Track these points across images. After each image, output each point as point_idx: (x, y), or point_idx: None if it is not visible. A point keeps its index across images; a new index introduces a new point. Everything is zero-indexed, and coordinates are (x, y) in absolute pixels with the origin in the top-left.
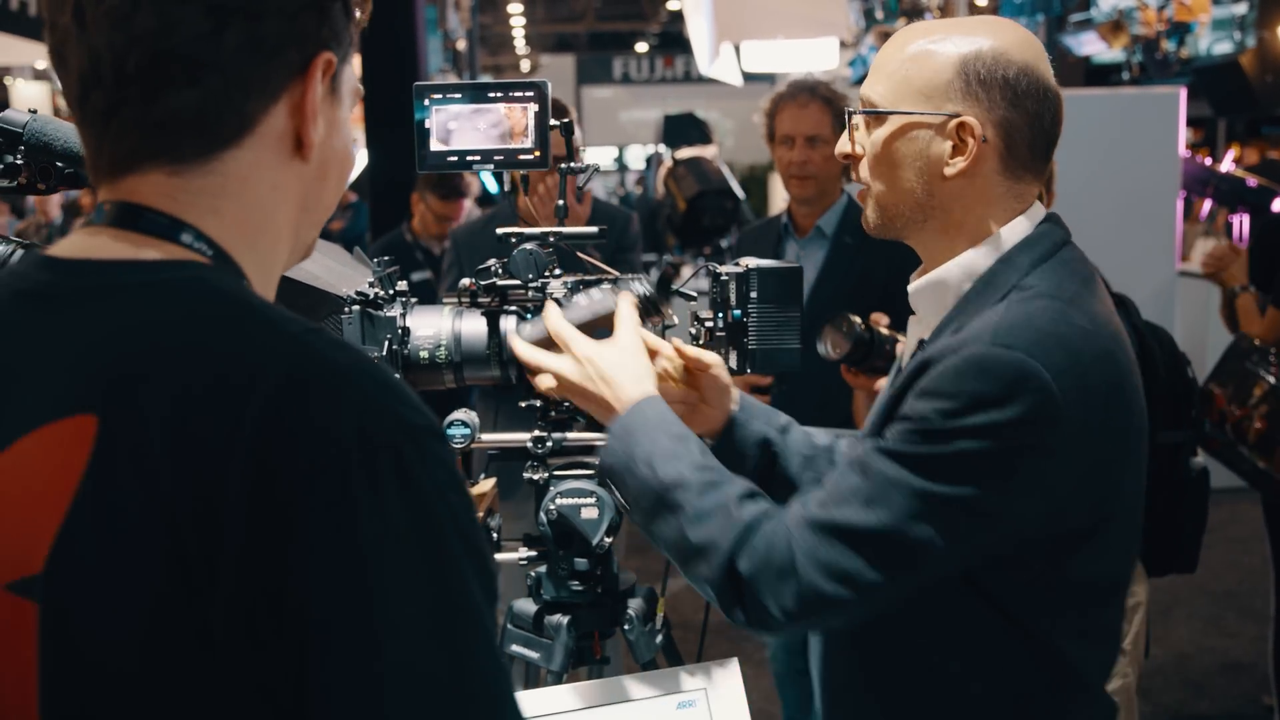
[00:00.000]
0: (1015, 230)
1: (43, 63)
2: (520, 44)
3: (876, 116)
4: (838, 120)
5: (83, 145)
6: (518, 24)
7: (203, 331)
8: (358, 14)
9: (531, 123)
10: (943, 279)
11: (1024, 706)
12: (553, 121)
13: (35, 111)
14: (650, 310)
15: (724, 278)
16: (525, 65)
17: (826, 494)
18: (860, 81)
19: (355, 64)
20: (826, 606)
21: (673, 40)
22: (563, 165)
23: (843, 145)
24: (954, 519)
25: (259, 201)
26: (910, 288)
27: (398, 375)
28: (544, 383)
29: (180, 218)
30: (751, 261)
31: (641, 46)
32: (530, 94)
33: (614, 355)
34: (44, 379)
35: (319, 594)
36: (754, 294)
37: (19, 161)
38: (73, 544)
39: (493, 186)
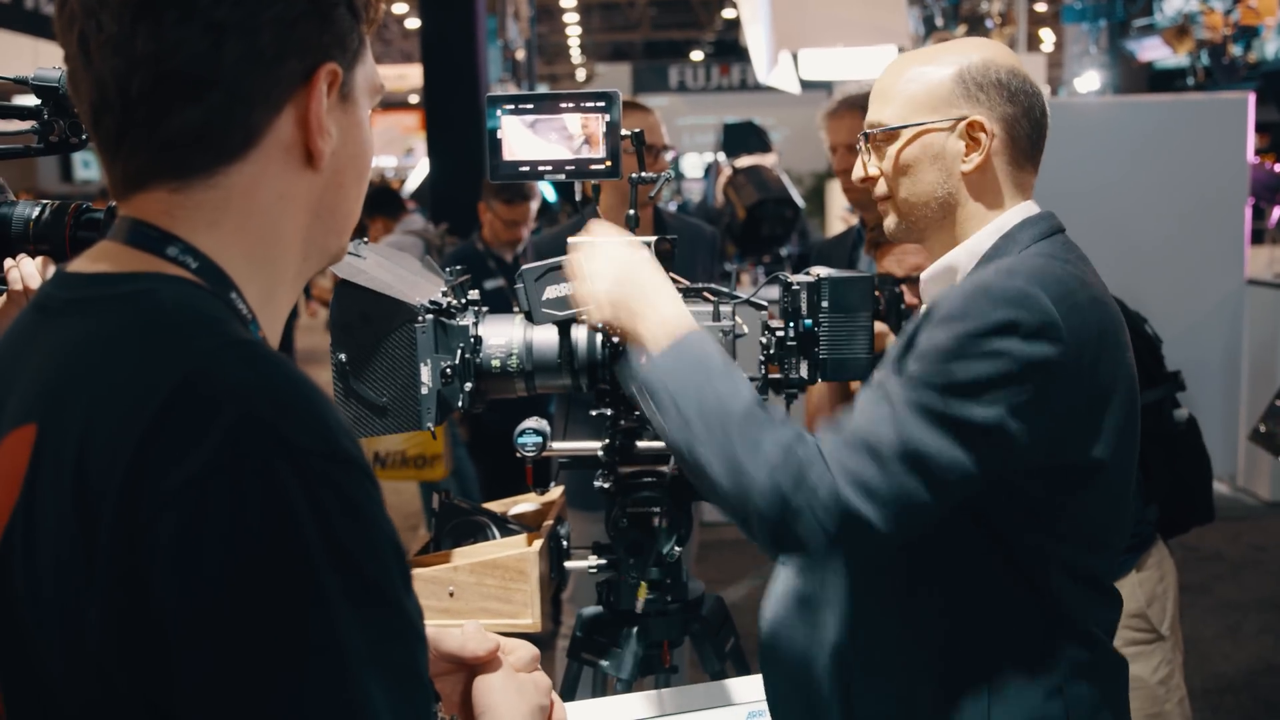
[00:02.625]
0: (1017, 212)
1: None
2: (576, 53)
3: (889, 135)
4: None
5: (100, 168)
6: (574, 33)
7: (125, 345)
8: (368, 13)
9: (602, 132)
10: (951, 263)
11: (1019, 642)
12: (624, 131)
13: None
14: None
15: (795, 287)
16: (581, 74)
17: (855, 419)
18: None
19: (369, 63)
20: (859, 528)
21: (728, 48)
22: (632, 175)
23: (857, 171)
24: (973, 437)
25: (264, 212)
26: (923, 276)
27: (319, 395)
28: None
29: (171, 231)
30: (822, 270)
31: (697, 55)
32: (601, 104)
33: (660, 282)
34: (19, 388)
35: (174, 624)
36: (825, 303)
37: (49, 119)
38: (9, 550)
39: (550, 196)
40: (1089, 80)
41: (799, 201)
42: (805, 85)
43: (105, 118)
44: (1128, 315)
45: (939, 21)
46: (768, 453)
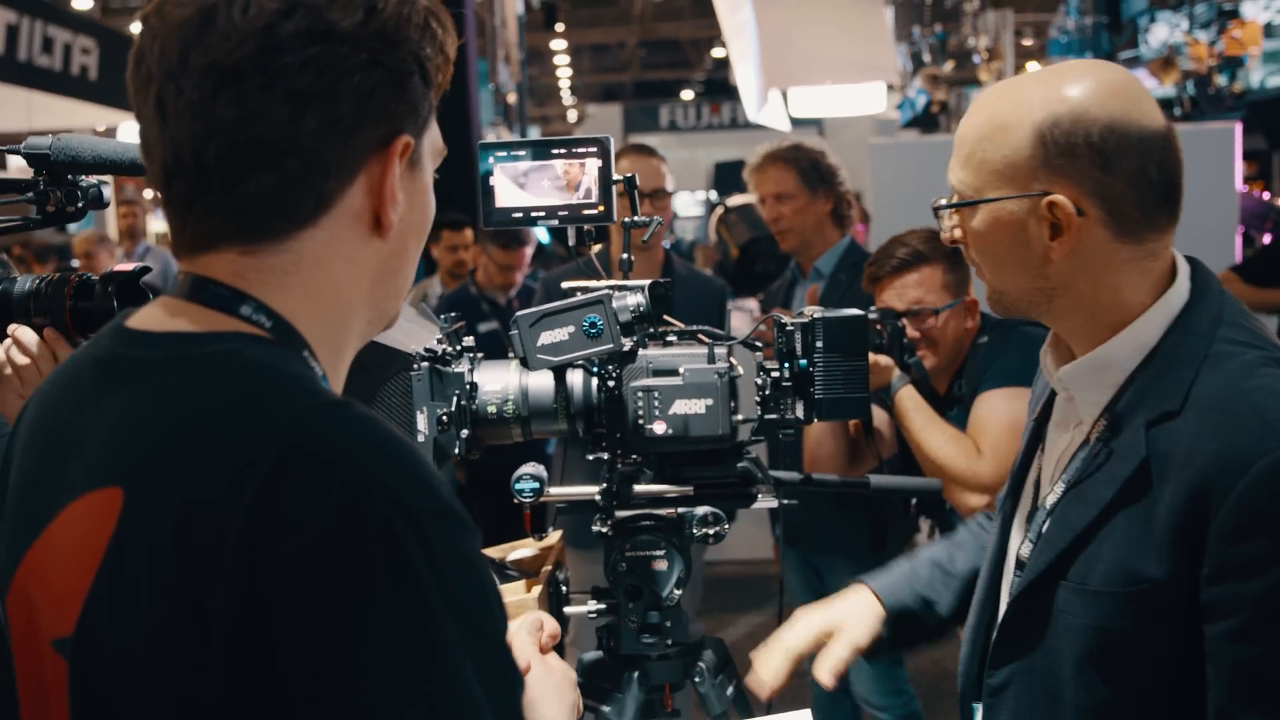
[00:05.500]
0: (1177, 294)
1: (103, 125)
2: (566, 95)
3: (961, 208)
4: (801, 175)
5: (167, 225)
6: (564, 75)
7: (220, 408)
8: (439, 78)
9: (595, 177)
10: (1108, 359)
11: None
12: (616, 176)
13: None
14: (644, 321)
15: (789, 327)
16: (572, 115)
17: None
18: (910, 125)
19: (434, 127)
20: None
21: (718, 87)
22: (625, 220)
23: (945, 233)
24: None
25: (332, 278)
26: (1064, 371)
27: (417, 452)
28: None
29: (245, 291)
30: (817, 311)
31: (687, 94)
32: (593, 149)
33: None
34: (93, 448)
35: (301, 685)
36: (819, 343)
37: (44, 189)
38: (96, 612)
39: (544, 238)
40: None
41: None
42: (795, 123)
43: (178, 181)
44: None
45: (927, 58)
46: None
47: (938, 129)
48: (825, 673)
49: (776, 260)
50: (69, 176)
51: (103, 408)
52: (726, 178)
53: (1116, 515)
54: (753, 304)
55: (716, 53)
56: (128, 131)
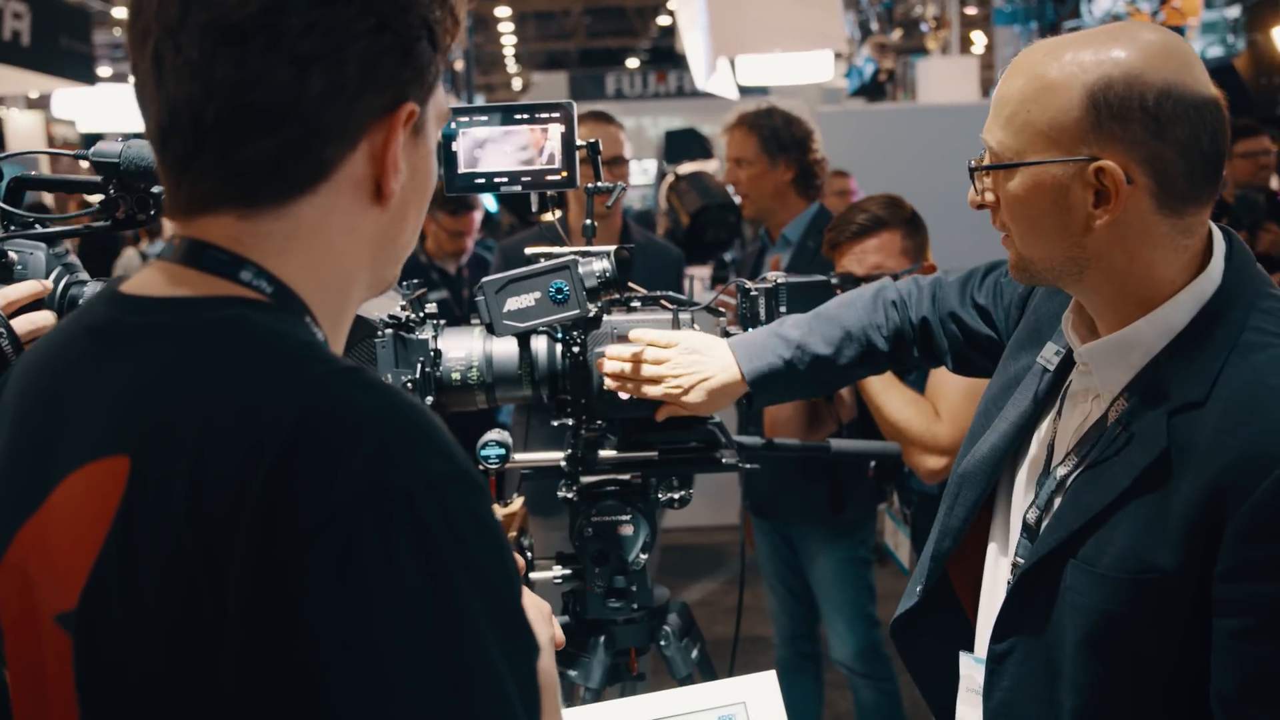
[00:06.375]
0: (1210, 278)
1: (35, 92)
2: (511, 63)
3: (1001, 169)
4: (762, 142)
5: (162, 184)
6: (509, 43)
7: (232, 375)
8: (447, 40)
9: (559, 143)
10: (1134, 340)
11: None
12: (579, 142)
13: (127, 138)
14: (610, 287)
15: (753, 293)
16: (517, 83)
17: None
18: (858, 93)
19: (439, 92)
20: None
21: (664, 55)
22: (588, 185)
23: (972, 198)
24: None
25: (331, 246)
26: (1087, 349)
27: (432, 418)
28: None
29: (243, 255)
30: (780, 276)
31: (633, 62)
32: (557, 115)
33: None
34: (93, 416)
35: (324, 654)
36: (783, 308)
37: (114, 195)
38: (101, 584)
39: (491, 206)
40: None
41: None
42: (743, 91)
43: (174, 140)
44: None
45: (875, 26)
46: None
47: (884, 97)
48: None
49: (727, 229)
50: (140, 185)
51: (101, 375)
52: (677, 146)
53: (1131, 502)
54: (704, 272)
55: (662, 20)
56: (61, 99)
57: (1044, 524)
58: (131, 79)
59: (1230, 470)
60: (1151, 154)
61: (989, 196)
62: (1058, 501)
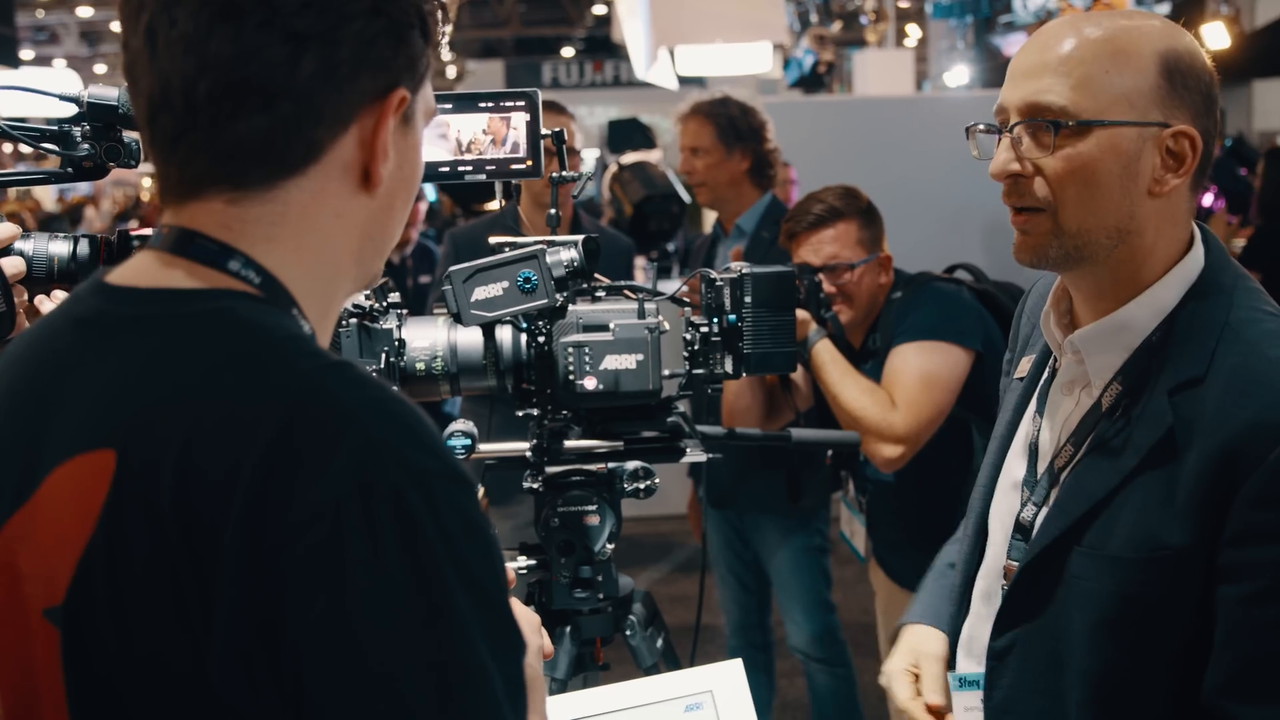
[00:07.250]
0: (1195, 260)
1: None
2: (445, 51)
3: (1070, 130)
4: (719, 131)
5: (152, 166)
6: (443, 30)
7: (219, 370)
8: (440, 30)
9: (524, 132)
10: (1126, 322)
11: None
12: (544, 131)
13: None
14: (578, 276)
15: (719, 283)
16: (452, 71)
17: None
18: (797, 85)
19: (428, 86)
20: None
21: (600, 45)
22: (553, 175)
23: (1005, 165)
24: None
25: (319, 230)
26: (1080, 334)
27: (420, 414)
28: None
29: (231, 245)
30: (745, 266)
31: (568, 51)
32: (521, 103)
33: None
34: (80, 410)
35: (311, 650)
36: (748, 298)
37: (87, 141)
38: (88, 579)
39: (430, 195)
40: (958, 75)
41: (684, 196)
42: (683, 81)
43: (163, 116)
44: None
45: (814, 18)
46: None
47: (823, 89)
48: (936, 695)
49: (670, 219)
50: (113, 130)
51: (87, 367)
52: (620, 135)
53: (1136, 482)
54: (643, 262)
55: (598, 9)
56: (7, 79)
57: (1039, 518)
58: (112, 65)
59: (1240, 438)
60: (1204, 128)
61: (1028, 165)
62: (1054, 494)
